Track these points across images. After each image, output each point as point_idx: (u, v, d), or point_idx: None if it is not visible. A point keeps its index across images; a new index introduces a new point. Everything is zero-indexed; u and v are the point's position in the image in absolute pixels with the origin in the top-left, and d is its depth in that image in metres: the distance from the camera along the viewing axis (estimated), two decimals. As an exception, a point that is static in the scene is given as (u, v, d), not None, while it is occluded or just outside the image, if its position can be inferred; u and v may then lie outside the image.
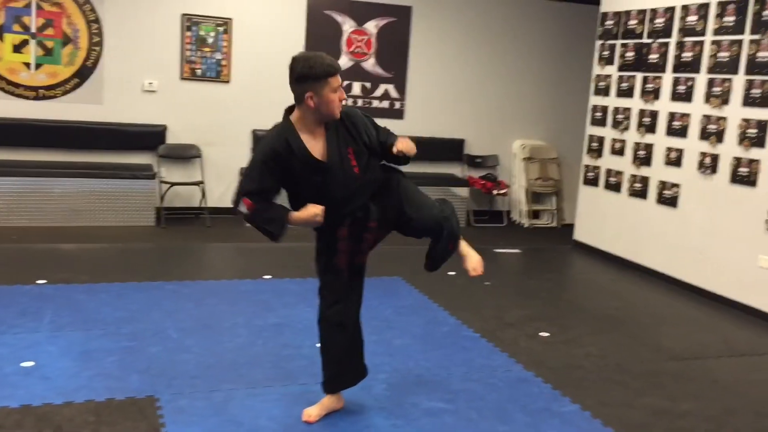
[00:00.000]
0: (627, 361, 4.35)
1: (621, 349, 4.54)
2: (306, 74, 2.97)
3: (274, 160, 3.01)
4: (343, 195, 3.11)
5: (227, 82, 7.47)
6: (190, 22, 7.26)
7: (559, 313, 5.21)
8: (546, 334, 4.70)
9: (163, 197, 7.15)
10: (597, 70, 7.14)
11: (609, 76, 6.95)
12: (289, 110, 3.13)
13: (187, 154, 7.39)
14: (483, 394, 3.72)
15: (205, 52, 7.35)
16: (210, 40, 7.35)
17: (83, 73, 7.03)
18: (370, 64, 7.94)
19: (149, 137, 7.28)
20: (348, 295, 3.31)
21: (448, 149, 8.35)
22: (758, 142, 5.37)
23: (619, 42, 6.83)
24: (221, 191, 7.58)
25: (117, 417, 3.21)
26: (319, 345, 3.36)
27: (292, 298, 5.04)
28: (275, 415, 3.33)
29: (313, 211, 3.01)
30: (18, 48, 6.80)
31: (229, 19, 7.38)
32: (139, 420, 3.20)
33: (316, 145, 3.07)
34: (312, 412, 3.33)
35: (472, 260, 3.36)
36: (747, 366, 4.44)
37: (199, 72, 7.36)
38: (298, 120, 3.07)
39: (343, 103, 3.09)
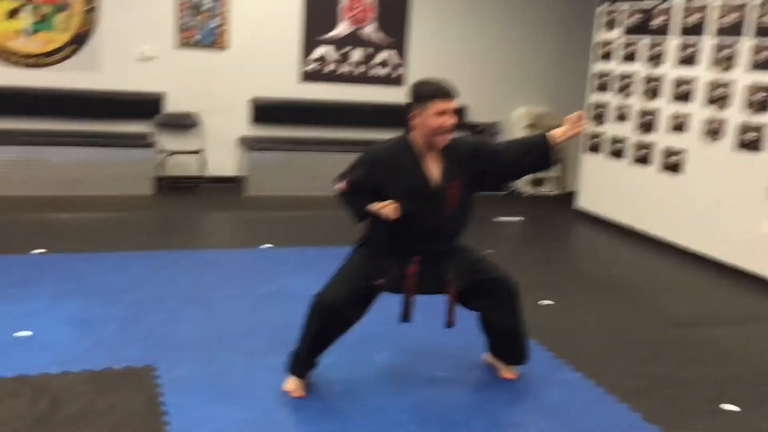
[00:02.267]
0: (629, 329, 4.31)
1: (623, 317, 4.51)
2: (415, 94, 3.05)
3: (379, 167, 3.08)
4: (430, 226, 3.11)
5: (224, 49, 7.36)
6: (186, -13, 7.13)
7: (560, 281, 5.17)
8: (548, 302, 4.66)
9: (162, 166, 7.08)
10: (600, 35, 7.01)
11: (611, 41, 6.83)
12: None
13: (185, 123, 7.30)
14: (482, 364, 3.68)
15: (201, 19, 7.22)
16: (206, 6, 7.22)
17: (79, 40, 6.92)
18: (370, 30, 7.81)
19: (147, 105, 7.18)
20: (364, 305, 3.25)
21: (450, 117, 8.25)
22: (765, 107, 5.28)
23: (622, 6, 6.69)
24: (220, 160, 7.52)
25: (114, 386, 3.18)
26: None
27: (291, 267, 5.00)
28: (273, 385, 3.29)
29: (389, 211, 2.99)
30: (12, 14, 6.69)
31: (226, -16, 7.26)
32: (137, 390, 3.17)
33: (428, 169, 3.11)
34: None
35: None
36: (748, 333, 4.40)
37: (196, 39, 7.25)
38: (414, 141, 3.11)
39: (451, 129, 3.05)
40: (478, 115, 8.28)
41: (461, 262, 3.24)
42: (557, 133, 3.15)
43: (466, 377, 3.52)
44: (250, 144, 7.20)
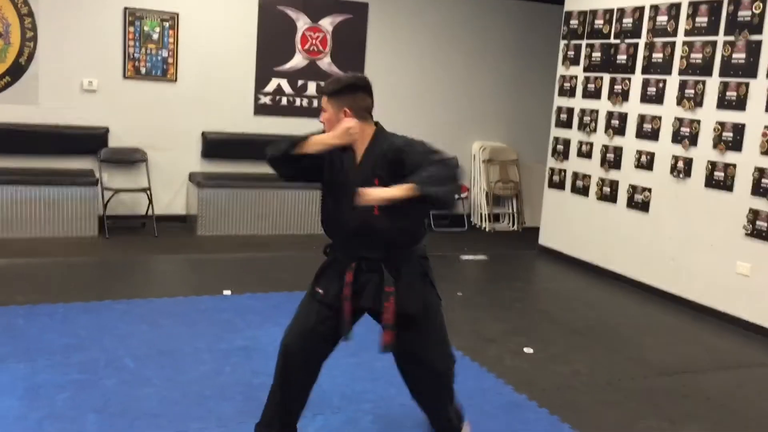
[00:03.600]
0: (617, 379, 4.14)
1: (608, 365, 4.33)
2: None
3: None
4: (353, 226, 2.75)
5: (174, 81, 7.00)
6: (133, 16, 6.76)
7: (537, 326, 4.99)
8: (530, 350, 4.45)
9: (107, 205, 6.64)
10: (561, 70, 6.96)
11: (574, 77, 6.77)
12: None
13: (131, 159, 6.88)
14: (480, 422, 3.42)
15: (150, 49, 6.86)
16: (155, 36, 6.87)
17: (16, 71, 6.45)
18: (325, 63, 7.58)
19: (90, 140, 6.74)
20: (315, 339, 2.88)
21: (407, 151, 8.06)
22: (734, 146, 5.25)
23: (584, 42, 6.65)
24: (169, 198, 7.12)
25: (73, 469, 2.80)
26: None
27: (257, 317, 4.66)
28: (254, 459, 2.97)
29: (345, 125, 2.68)
30: (-58, 43, 6.21)
31: (176, 13, 6.90)
32: (100, 472, 2.80)
33: (354, 162, 2.79)
34: None
35: None
36: (737, 379, 4.29)
37: (143, 70, 6.87)
38: None
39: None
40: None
41: (412, 302, 2.79)
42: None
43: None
44: (200, 181, 6.83)
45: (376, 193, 2.57)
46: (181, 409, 3.36)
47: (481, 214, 8.17)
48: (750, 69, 5.13)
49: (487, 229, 8.07)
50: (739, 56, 5.22)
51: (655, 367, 4.34)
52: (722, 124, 5.33)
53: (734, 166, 5.25)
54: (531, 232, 7.64)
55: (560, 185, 6.95)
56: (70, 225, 6.40)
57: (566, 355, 4.44)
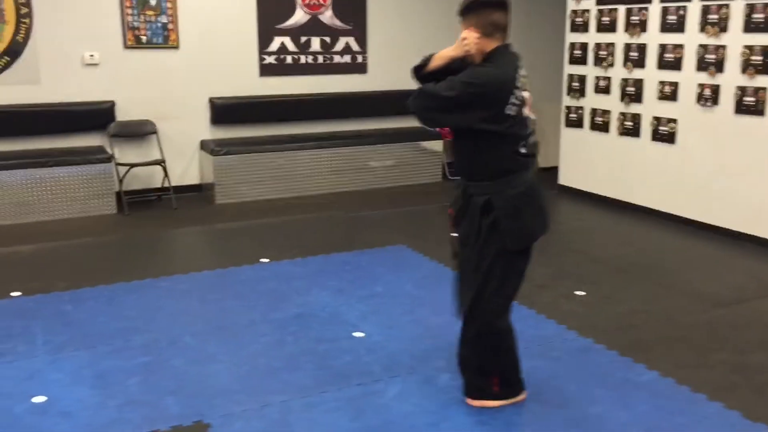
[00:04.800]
0: (675, 313, 4.13)
1: (662, 301, 4.32)
2: None
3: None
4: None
5: (176, 47, 6.78)
6: (128, -17, 6.51)
7: (580, 267, 4.96)
8: (582, 293, 4.44)
9: (122, 181, 6.49)
10: (572, 5, 6.80)
11: (587, 11, 6.63)
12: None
13: (141, 131, 6.72)
14: (553, 371, 3.42)
15: (148, 16, 6.63)
16: (153, 2, 6.62)
17: (14, 51, 6.22)
18: (327, 16, 7.37)
19: (96, 116, 6.56)
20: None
21: (416, 101, 7.93)
22: (764, 70, 5.17)
23: (595, -26, 6.50)
24: (182, 168, 6.99)
25: (169, 454, 2.76)
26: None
27: (302, 283, 4.60)
28: (347, 426, 2.93)
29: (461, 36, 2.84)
30: (-66, 27, 5.95)
31: (172, -23, 6.66)
32: (196, 454, 2.76)
33: None
34: None
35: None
36: (791, 303, 4.31)
37: (144, 39, 6.65)
38: None
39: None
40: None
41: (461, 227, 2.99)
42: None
43: (545, 391, 3.23)
44: (213, 148, 6.68)
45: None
46: (256, 382, 3.31)
47: (495, 159, 8.08)
48: (777, -11, 5.03)
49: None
50: (765, -23, 5.11)
51: (709, 299, 4.34)
52: (750, 48, 5.25)
53: (765, 90, 5.18)
54: (547, 172, 7.57)
55: (578, 123, 6.87)
56: (87, 205, 6.26)
57: (618, 295, 4.42)
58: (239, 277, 4.76)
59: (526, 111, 2.92)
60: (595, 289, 4.50)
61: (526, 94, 2.90)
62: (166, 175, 6.63)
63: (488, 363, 3.01)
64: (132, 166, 6.47)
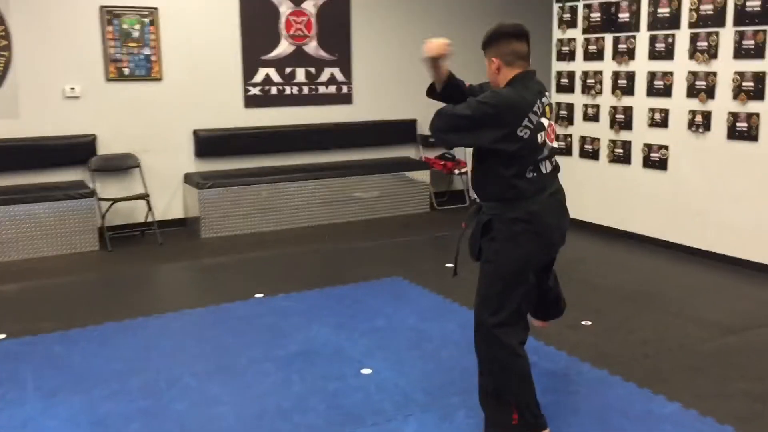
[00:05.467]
0: (687, 342, 4.06)
1: (672, 330, 4.25)
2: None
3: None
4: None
5: (159, 79, 6.65)
6: (110, 15, 6.38)
7: (583, 296, 4.87)
8: (588, 323, 4.35)
9: (104, 216, 6.29)
10: (558, 34, 6.83)
11: (572, 39, 6.65)
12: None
13: (123, 165, 6.54)
14: (573, 404, 3.31)
15: (131, 48, 6.49)
16: (135, 34, 6.50)
17: (-9, 84, 6.05)
18: (312, 47, 7.31)
19: (77, 150, 6.38)
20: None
21: (401, 131, 7.90)
22: (756, 95, 5.20)
23: (581, 3, 6.53)
24: (166, 202, 6.81)
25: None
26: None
27: (300, 319, 4.44)
28: (367, 471, 2.79)
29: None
30: None
31: (155, 8, 6.55)
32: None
33: None
34: None
35: None
36: (798, 329, 4.26)
37: (126, 71, 6.51)
38: None
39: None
40: (427, 127, 7.92)
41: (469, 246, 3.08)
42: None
43: (566, 426, 3.12)
44: (198, 181, 6.53)
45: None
46: (267, 425, 3.14)
47: (481, 188, 8.04)
48: (767, 15, 5.07)
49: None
50: (754, 3, 5.16)
51: (719, 327, 4.28)
52: (741, 74, 5.28)
53: (757, 115, 5.20)
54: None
55: (567, 151, 6.85)
56: (69, 241, 6.05)
57: (626, 324, 4.34)
58: (234, 313, 4.59)
59: (543, 137, 2.87)
60: (601, 318, 4.42)
61: (545, 121, 2.86)
62: (150, 209, 6.44)
63: (503, 387, 2.89)
64: (114, 201, 6.28)
